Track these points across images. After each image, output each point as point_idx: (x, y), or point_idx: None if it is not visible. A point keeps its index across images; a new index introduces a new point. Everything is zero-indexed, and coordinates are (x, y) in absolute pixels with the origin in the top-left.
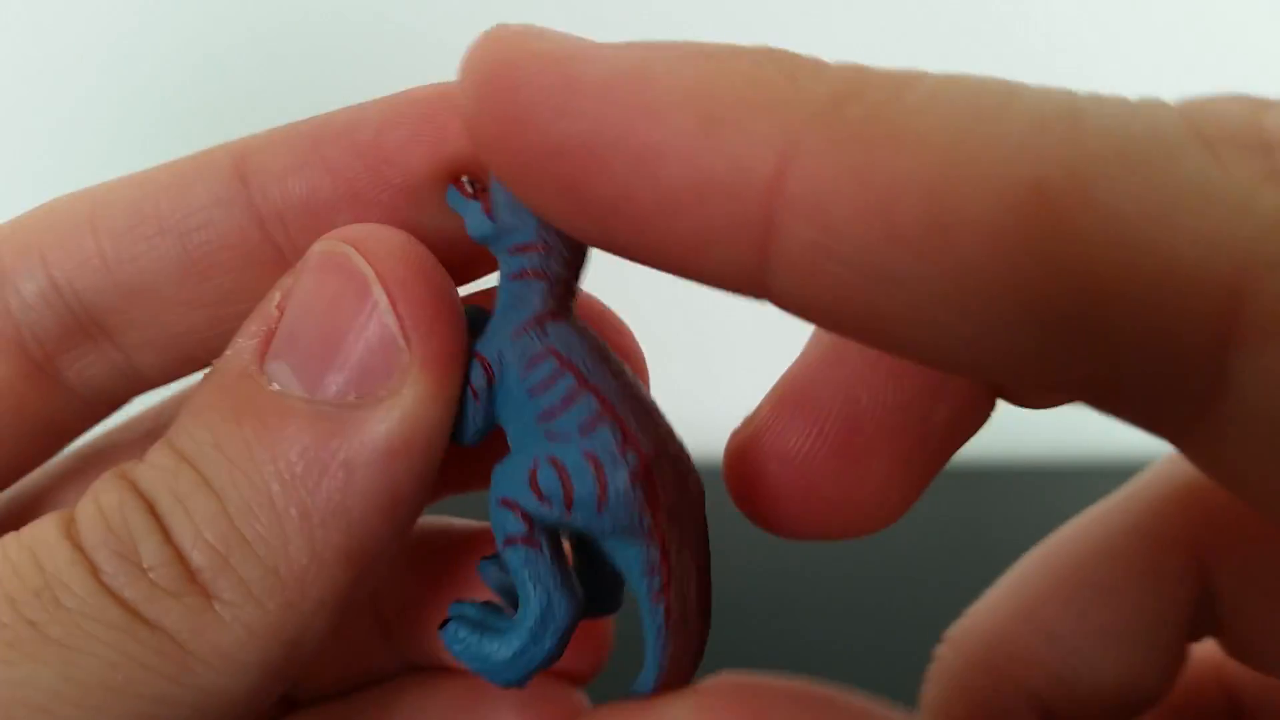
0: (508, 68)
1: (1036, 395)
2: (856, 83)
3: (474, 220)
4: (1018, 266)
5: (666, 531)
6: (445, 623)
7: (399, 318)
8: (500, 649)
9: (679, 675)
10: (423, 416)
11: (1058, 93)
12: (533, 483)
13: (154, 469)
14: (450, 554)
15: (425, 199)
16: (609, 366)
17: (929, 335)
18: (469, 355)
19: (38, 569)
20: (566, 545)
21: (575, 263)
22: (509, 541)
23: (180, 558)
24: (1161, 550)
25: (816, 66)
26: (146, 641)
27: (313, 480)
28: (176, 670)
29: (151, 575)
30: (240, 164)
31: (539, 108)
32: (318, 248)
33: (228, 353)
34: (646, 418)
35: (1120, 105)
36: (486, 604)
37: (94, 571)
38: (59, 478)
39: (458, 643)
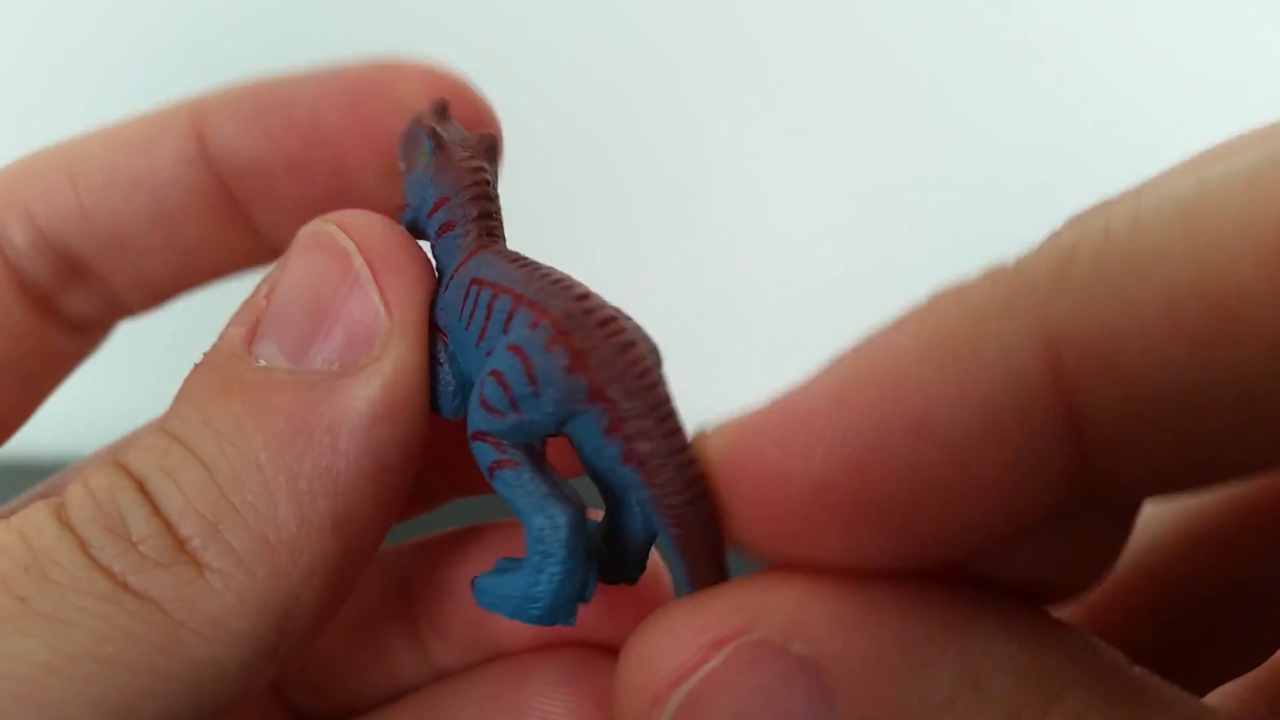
0: (741, 447)
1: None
2: (1060, 251)
3: (402, 217)
4: None
5: (605, 385)
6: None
7: (380, 288)
8: (519, 582)
9: (702, 549)
10: (404, 381)
11: (1248, 149)
12: (483, 403)
13: (144, 450)
14: (483, 552)
15: (356, 175)
16: (521, 263)
17: (1250, 415)
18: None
19: (26, 547)
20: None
21: (477, 194)
22: (490, 471)
23: (169, 528)
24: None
25: (1005, 265)
26: (136, 613)
27: (300, 447)
28: (166, 641)
29: (141, 548)
30: (199, 123)
31: (795, 453)
32: (303, 230)
33: (217, 341)
34: (555, 286)
35: None
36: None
37: (82, 546)
38: (57, 488)
39: (483, 593)
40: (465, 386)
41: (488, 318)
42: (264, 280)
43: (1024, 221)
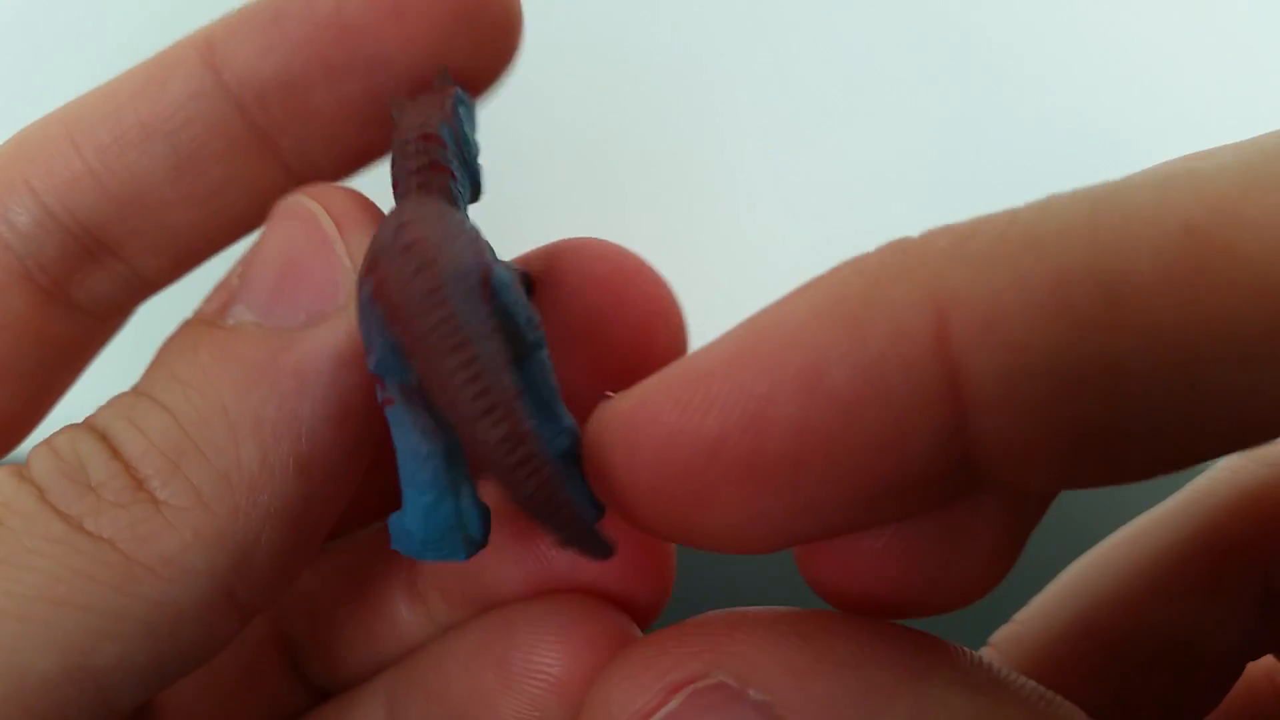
0: (639, 408)
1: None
2: (964, 227)
3: None
4: (1191, 303)
5: (397, 309)
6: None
7: (348, 245)
8: (400, 516)
9: (494, 466)
10: None
11: (1164, 163)
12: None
13: (109, 406)
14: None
15: (396, 65)
16: (394, 212)
17: (1129, 407)
18: None
19: None
20: None
21: (410, 150)
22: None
23: (128, 469)
24: (1223, 559)
25: (916, 239)
26: (90, 553)
27: (265, 390)
28: (121, 579)
29: (99, 491)
30: (208, 55)
31: (691, 411)
32: (275, 207)
33: (190, 317)
34: (389, 221)
35: (1227, 150)
36: None
37: (39, 494)
38: None
39: (391, 531)
40: None
41: None
42: (237, 263)
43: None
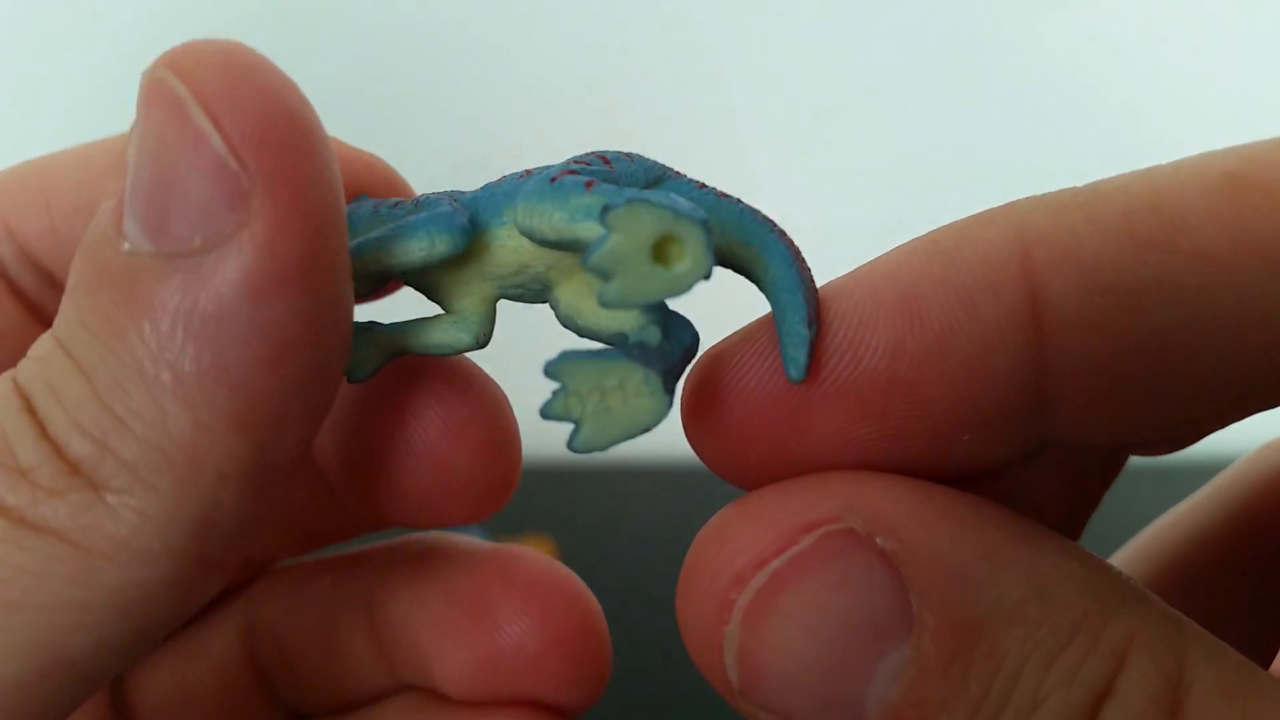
0: (744, 338)
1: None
2: (1037, 196)
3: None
4: (1233, 228)
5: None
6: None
7: (226, 138)
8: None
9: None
10: (283, 245)
11: None
12: (571, 163)
13: (30, 361)
14: (446, 568)
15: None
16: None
17: (1185, 328)
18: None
19: None
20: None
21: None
22: (587, 185)
23: (58, 452)
24: (1260, 538)
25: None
26: (36, 549)
27: (179, 341)
28: (76, 573)
29: (32, 477)
30: None
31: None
32: (142, 79)
33: (96, 217)
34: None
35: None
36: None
37: None
38: None
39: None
40: (476, 221)
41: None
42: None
43: None
